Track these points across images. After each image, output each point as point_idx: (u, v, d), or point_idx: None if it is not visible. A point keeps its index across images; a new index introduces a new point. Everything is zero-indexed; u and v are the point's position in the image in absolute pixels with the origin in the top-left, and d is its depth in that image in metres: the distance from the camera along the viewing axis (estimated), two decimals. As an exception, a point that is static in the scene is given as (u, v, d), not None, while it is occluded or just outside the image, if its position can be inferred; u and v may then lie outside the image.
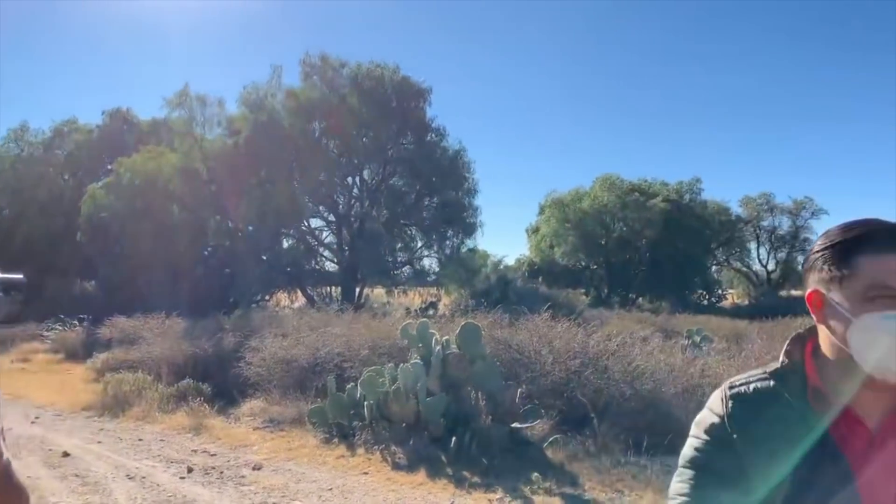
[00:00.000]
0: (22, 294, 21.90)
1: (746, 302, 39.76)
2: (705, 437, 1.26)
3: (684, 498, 1.26)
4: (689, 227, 36.65)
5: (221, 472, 6.53)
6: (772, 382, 1.23)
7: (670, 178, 41.34)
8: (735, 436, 1.21)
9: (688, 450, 1.29)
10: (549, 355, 7.98)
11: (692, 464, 1.27)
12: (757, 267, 44.59)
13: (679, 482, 1.28)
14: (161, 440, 7.91)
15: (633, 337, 8.95)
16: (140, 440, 7.94)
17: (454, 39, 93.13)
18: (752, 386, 1.25)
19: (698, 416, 1.31)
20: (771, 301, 34.02)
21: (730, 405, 1.24)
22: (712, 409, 1.28)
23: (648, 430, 7.07)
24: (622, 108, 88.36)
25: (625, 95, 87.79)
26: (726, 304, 39.98)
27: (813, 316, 1.21)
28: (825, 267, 1.17)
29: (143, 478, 6.38)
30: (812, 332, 1.27)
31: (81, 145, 35.71)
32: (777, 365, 1.25)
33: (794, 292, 44.63)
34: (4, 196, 34.09)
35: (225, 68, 73.79)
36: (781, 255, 43.74)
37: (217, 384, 10.14)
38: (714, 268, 43.60)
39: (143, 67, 77.97)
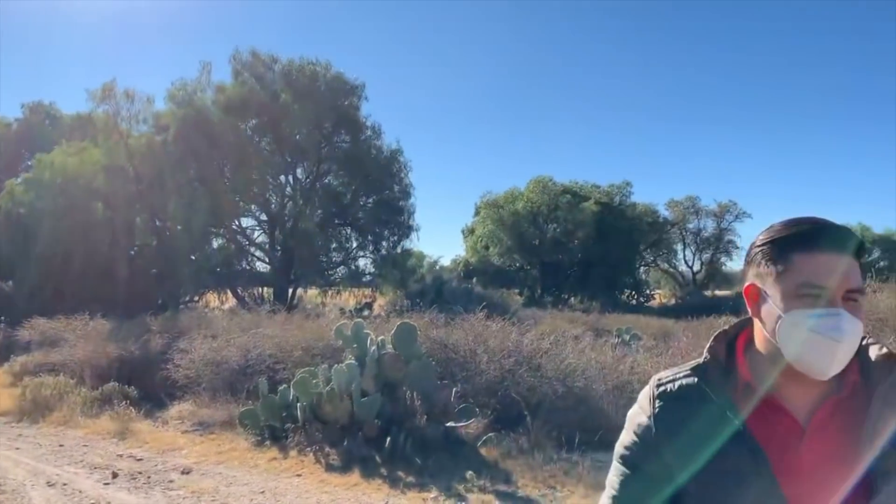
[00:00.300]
0: None
1: (673, 301, 41.00)
2: (634, 437, 1.30)
3: (613, 492, 1.31)
4: (619, 228, 37.59)
5: (148, 477, 6.33)
6: (695, 379, 1.25)
7: (602, 181, 42.33)
8: (661, 437, 1.24)
9: (619, 446, 1.33)
10: (483, 354, 8.04)
11: (622, 461, 1.31)
12: (683, 268, 46.16)
13: (612, 475, 1.33)
14: (84, 445, 7.62)
15: (565, 336, 9.12)
16: (61, 446, 7.63)
17: (389, 41, 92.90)
18: (677, 383, 1.27)
19: (631, 410, 1.35)
20: (696, 300, 35.23)
21: (657, 404, 1.27)
22: (641, 406, 1.31)
23: (580, 426, 7.21)
24: (556, 110, 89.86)
25: (558, 98, 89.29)
26: (654, 303, 41.12)
27: (749, 309, 1.23)
28: (763, 262, 1.19)
29: (65, 484, 6.14)
30: (740, 328, 1.30)
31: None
32: (700, 361, 1.28)
33: (718, 292, 46.34)
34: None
35: (155, 66, 71.42)
36: (706, 256, 45.40)
37: (144, 387, 9.84)
38: (642, 268, 44.89)
39: (69, 62, 74.83)
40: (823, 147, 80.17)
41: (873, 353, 1.22)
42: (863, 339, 1.22)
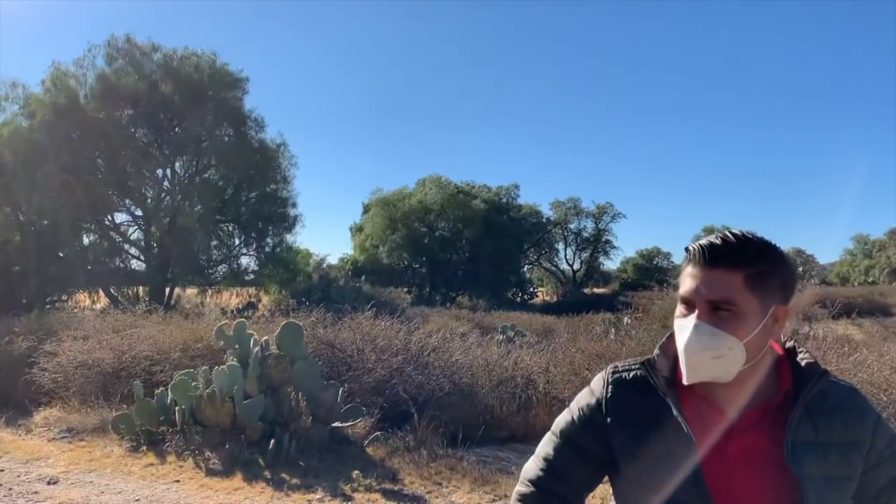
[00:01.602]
0: None
1: (555, 299, 42.42)
2: (579, 413, 1.39)
3: (545, 459, 1.39)
4: (505, 227, 38.50)
5: (10, 489, 5.90)
6: (645, 371, 1.36)
7: (492, 182, 43.14)
8: (608, 418, 1.34)
9: (561, 420, 1.42)
10: (371, 353, 8.03)
11: (560, 435, 1.41)
12: (564, 266, 47.86)
13: (545, 446, 1.42)
14: (-66, 459, 7.00)
15: (452, 333, 9.25)
16: None
17: (277, 35, 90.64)
18: (631, 373, 1.37)
19: (580, 393, 1.44)
20: (576, 298, 36.71)
21: (610, 389, 1.36)
22: (593, 389, 1.40)
23: (465, 422, 7.35)
24: (447, 110, 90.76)
25: (449, 98, 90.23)
26: (537, 300, 42.38)
27: None
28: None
29: (-89, 503, 5.62)
30: None
31: None
32: (651, 356, 1.37)
33: (596, 290, 48.40)
34: None
35: (36, 53, 66.45)
36: (586, 255, 47.31)
37: (5, 393, 9.15)
38: (527, 267, 46.21)
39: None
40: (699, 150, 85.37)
41: (802, 361, 1.31)
42: (795, 348, 1.34)
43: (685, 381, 1.25)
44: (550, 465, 1.38)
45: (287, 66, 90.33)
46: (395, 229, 37.51)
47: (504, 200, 41.58)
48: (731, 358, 1.20)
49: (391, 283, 35.08)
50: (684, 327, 1.24)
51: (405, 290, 36.08)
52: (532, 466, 1.42)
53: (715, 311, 1.21)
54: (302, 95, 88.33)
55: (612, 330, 14.95)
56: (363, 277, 35.09)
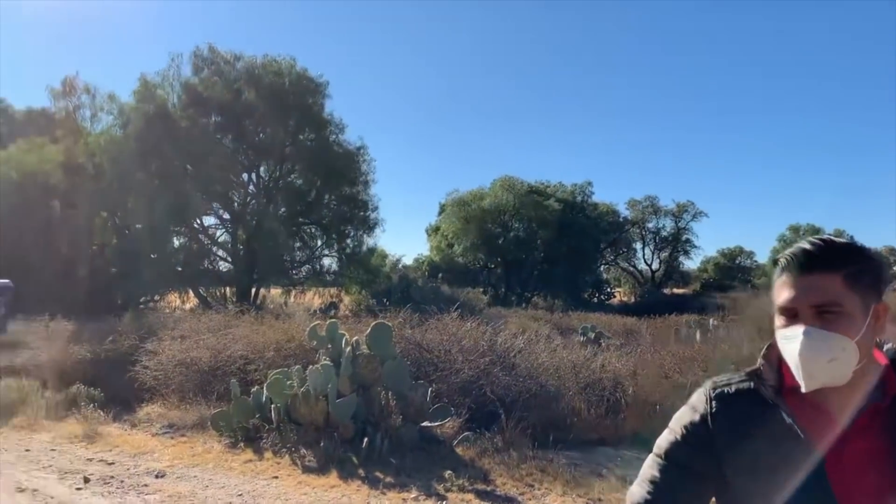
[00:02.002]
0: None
1: (632, 299, 41.67)
2: (682, 431, 1.37)
3: (650, 485, 1.38)
4: (581, 227, 38.05)
5: (122, 482, 6.23)
6: (751, 383, 1.34)
7: (566, 180, 42.77)
8: (715, 434, 1.33)
9: (663, 441, 1.40)
10: (458, 354, 8.09)
11: (665, 456, 1.38)
12: (642, 266, 46.95)
13: (649, 468, 1.40)
14: (52, 450, 7.45)
15: (538, 335, 9.23)
16: (27, 451, 7.44)
17: (354, 39, 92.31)
18: (733, 386, 1.36)
19: (679, 412, 1.42)
20: (655, 298, 35.95)
21: (713, 405, 1.35)
22: (695, 407, 1.38)
23: (554, 424, 7.33)
24: (521, 110, 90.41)
25: (523, 98, 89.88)
26: (614, 301, 41.73)
27: None
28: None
29: (35, 490, 6.00)
30: None
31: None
32: (755, 367, 1.36)
33: (676, 290, 47.29)
34: None
35: (121, 63, 70.08)
36: (664, 254, 46.27)
37: (110, 390, 9.64)
38: (603, 267, 45.54)
39: (21, 58, 72.64)
40: (785, 145, 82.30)
41: None
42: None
43: (804, 389, 1.24)
44: (657, 487, 1.36)
45: (364, 67, 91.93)
46: (471, 230, 37.60)
47: (579, 199, 41.12)
48: (845, 359, 1.20)
49: (466, 284, 35.22)
50: (792, 336, 1.23)
51: (481, 290, 36.18)
52: (638, 490, 1.40)
53: (821, 316, 1.21)
54: (378, 95, 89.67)
55: (698, 332, 14.64)
56: (439, 277, 35.37)
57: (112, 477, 6.40)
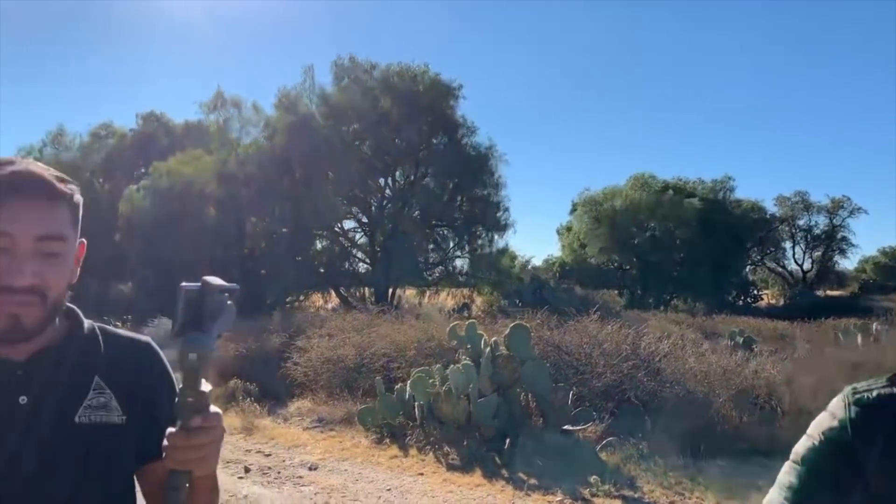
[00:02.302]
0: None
1: (782, 302, 39.20)
2: (821, 437, 1.30)
3: (787, 492, 1.32)
4: (723, 226, 36.18)
5: (279, 473, 6.59)
6: (893, 388, 1.25)
7: (704, 176, 40.79)
8: (855, 442, 1.25)
9: (801, 447, 1.35)
10: (600, 357, 7.94)
11: (803, 462, 1.32)
12: (792, 266, 44.01)
13: (786, 475, 1.34)
14: (214, 440, 7.99)
15: (684, 339, 8.88)
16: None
17: (485, 39, 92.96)
18: (874, 392, 1.27)
19: (817, 418, 1.37)
20: (807, 301, 33.52)
21: (853, 410, 1.27)
22: (834, 412, 1.32)
23: (703, 432, 7.01)
24: (656, 106, 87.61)
25: (657, 94, 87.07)
26: (761, 304, 39.43)
27: None
28: None
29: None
30: None
31: (116, 148, 36.39)
32: None
33: (830, 292, 44.01)
34: (44, 199, 34.76)
35: (258, 70, 74.65)
36: (817, 254, 43.14)
37: (263, 384, 10.23)
38: (749, 268, 43.08)
39: (176, 70, 79.03)
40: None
41: None
42: None
43: None
44: (794, 493, 1.30)
45: (491, 67, 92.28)
46: (604, 229, 36.75)
47: (720, 196, 39.17)
48: None
49: (599, 285, 34.51)
50: None
51: (616, 292, 35.34)
52: (775, 498, 1.34)
53: None
54: (507, 94, 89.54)
55: (859, 336, 13.55)
56: (571, 278, 34.90)
57: (269, 468, 6.78)
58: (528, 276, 30.46)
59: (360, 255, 28.92)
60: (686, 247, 36.09)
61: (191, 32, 65.72)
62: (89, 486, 1.12)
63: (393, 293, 27.32)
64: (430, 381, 7.86)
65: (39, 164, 1.14)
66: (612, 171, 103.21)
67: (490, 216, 27.42)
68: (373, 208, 28.10)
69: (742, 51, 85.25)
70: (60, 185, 1.11)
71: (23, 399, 1.09)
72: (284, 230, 25.74)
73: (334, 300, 27.78)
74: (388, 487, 6.07)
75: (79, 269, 1.19)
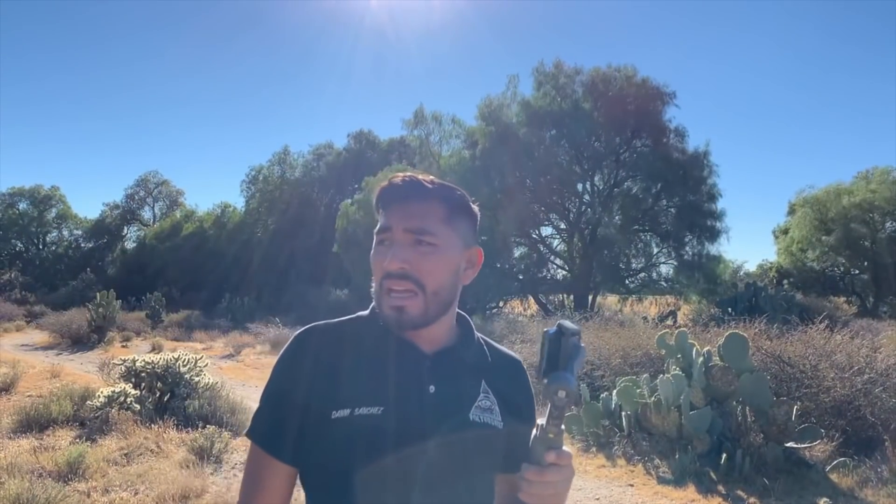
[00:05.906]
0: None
1: None
2: None
3: None
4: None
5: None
6: None
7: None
8: None
9: None
10: (829, 370, 7.26)
11: None
12: None
13: None
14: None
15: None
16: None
17: (692, 40, 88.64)
18: None
19: None
20: None
21: None
22: None
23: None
24: (873, 102, 78.52)
25: (875, 89, 77.97)
26: None
27: None
28: None
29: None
30: None
31: (332, 166, 39.49)
32: None
33: None
34: (273, 214, 38.65)
35: (462, 80, 77.45)
36: None
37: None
38: None
39: (382, 88, 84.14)
40: None
41: None
42: None
43: None
44: None
45: (704, 69, 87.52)
46: (829, 231, 33.33)
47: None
48: None
49: (823, 292, 31.43)
50: None
51: (843, 299, 32.02)
52: None
53: None
54: (719, 95, 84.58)
55: None
56: (786, 284, 32.17)
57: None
58: (741, 283, 28.53)
59: (558, 261, 28.84)
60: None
61: (400, 50, 69.77)
62: (466, 481, 1.22)
63: (593, 300, 26.90)
64: (638, 390, 7.66)
65: (422, 173, 1.30)
66: (833, 170, 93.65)
67: (700, 222, 25.98)
68: (571, 214, 27.88)
69: None
70: (430, 186, 1.24)
71: (432, 388, 1.22)
72: (484, 238, 26.33)
73: (533, 307, 27.93)
74: (597, 497, 5.99)
75: (474, 275, 1.32)
